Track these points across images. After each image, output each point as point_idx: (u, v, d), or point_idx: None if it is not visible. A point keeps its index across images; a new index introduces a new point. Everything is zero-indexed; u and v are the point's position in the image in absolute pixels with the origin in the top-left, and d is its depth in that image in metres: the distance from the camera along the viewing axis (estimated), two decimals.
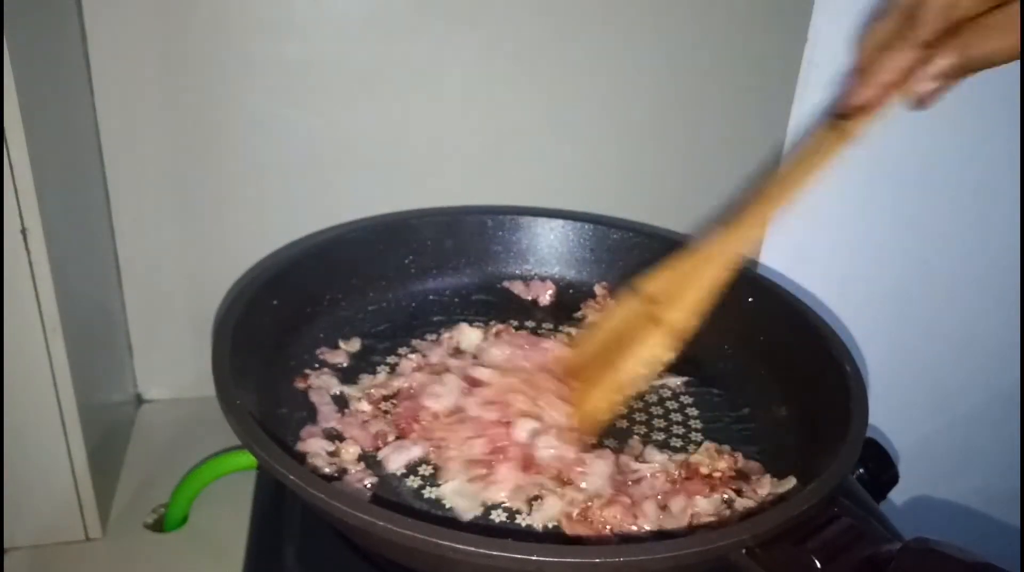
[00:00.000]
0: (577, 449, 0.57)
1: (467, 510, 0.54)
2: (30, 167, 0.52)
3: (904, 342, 0.98)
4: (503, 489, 0.55)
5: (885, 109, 0.50)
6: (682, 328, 0.57)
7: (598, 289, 0.77)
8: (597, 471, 0.56)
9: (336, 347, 0.68)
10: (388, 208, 0.77)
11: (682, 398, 0.66)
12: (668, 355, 0.57)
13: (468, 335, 0.69)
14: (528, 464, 0.56)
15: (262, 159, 0.73)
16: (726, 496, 0.55)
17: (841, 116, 0.52)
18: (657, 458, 0.59)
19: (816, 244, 0.90)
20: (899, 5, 0.48)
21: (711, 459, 0.58)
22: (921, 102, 0.49)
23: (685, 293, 0.57)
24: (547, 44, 0.74)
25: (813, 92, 0.80)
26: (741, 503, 0.54)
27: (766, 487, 0.55)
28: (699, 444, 0.61)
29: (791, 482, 0.55)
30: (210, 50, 0.68)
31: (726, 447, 0.60)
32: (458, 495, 0.54)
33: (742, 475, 0.57)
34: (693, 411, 0.65)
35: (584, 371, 0.62)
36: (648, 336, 0.58)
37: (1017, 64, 0.46)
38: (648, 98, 0.78)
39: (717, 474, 0.57)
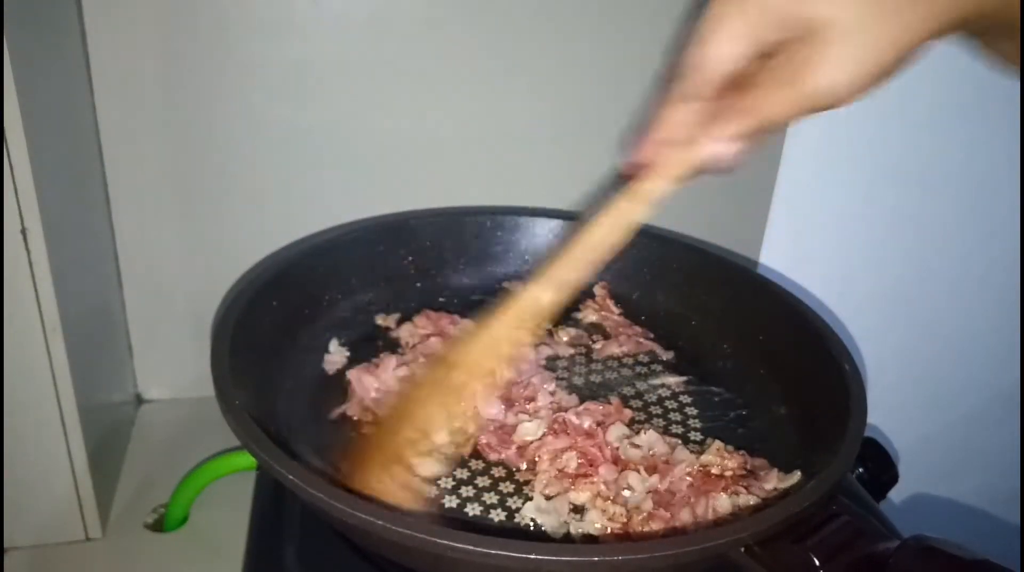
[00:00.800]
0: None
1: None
2: (30, 167, 0.52)
3: (904, 342, 0.98)
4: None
5: (676, 171, 0.46)
6: (475, 393, 0.55)
7: (597, 289, 0.77)
8: (639, 486, 0.55)
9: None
10: (387, 209, 0.77)
11: (681, 397, 0.66)
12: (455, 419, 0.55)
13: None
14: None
15: (262, 159, 0.73)
16: (738, 494, 0.55)
17: (629, 177, 0.48)
18: (685, 457, 0.58)
19: (816, 244, 0.90)
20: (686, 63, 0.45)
21: (721, 459, 0.58)
22: (718, 165, 0.45)
23: (481, 358, 0.54)
24: (546, 45, 0.74)
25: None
26: (746, 499, 0.54)
27: (772, 481, 0.55)
28: (699, 443, 0.61)
29: (796, 476, 0.55)
30: (210, 50, 0.68)
31: (730, 446, 0.60)
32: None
33: (750, 472, 0.57)
34: (692, 410, 0.65)
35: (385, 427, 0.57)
36: (436, 401, 0.55)
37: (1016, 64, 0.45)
38: (647, 99, 0.78)
39: (728, 473, 0.57)
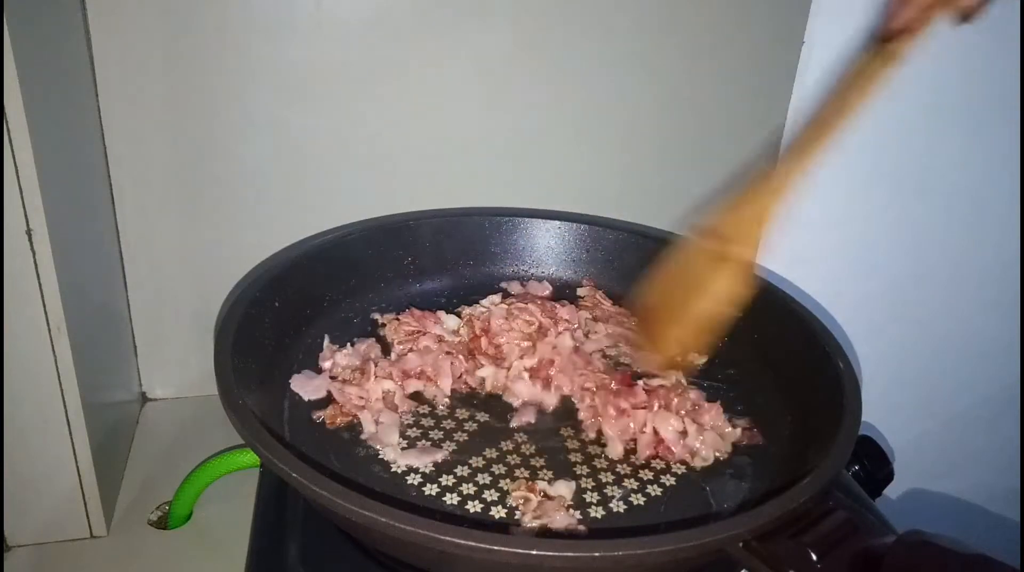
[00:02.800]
0: None
1: None
2: (35, 168, 0.52)
3: (899, 341, 0.99)
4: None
5: (929, 27, 0.47)
6: (746, 259, 0.57)
7: (583, 290, 0.78)
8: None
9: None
10: (388, 210, 0.78)
11: None
12: (737, 286, 0.57)
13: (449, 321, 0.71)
14: None
15: (264, 161, 0.74)
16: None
17: (884, 39, 0.49)
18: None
19: (813, 244, 0.90)
20: None
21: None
22: (966, 16, 0.46)
23: (748, 227, 0.57)
24: (544, 48, 0.75)
25: (809, 94, 0.81)
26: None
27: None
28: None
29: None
30: (213, 52, 0.69)
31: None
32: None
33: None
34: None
35: (658, 314, 0.62)
36: (719, 273, 0.57)
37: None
38: (644, 101, 0.79)
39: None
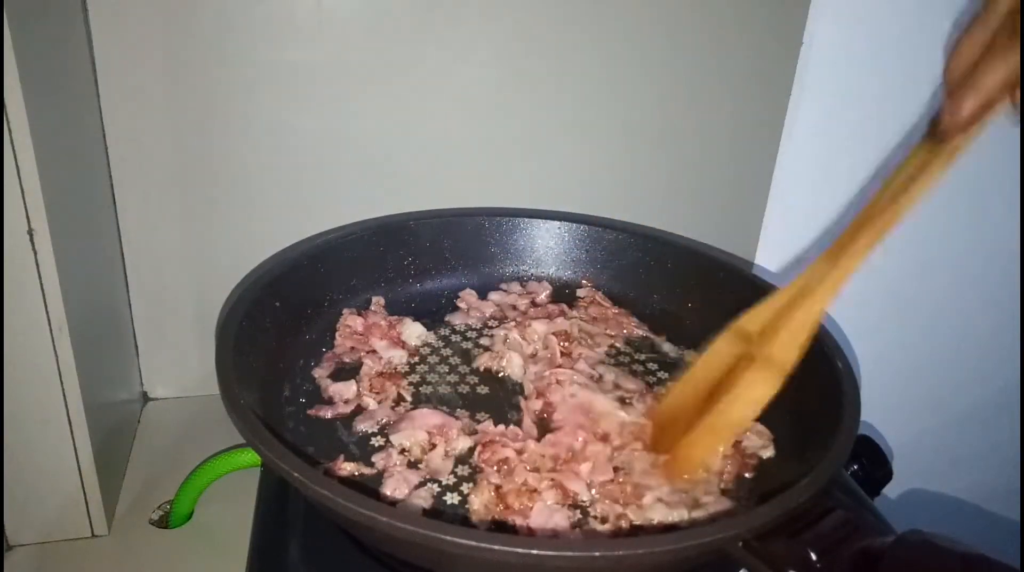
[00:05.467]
0: None
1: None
2: (37, 169, 0.52)
3: (898, 341, 0.99)
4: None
5: (990, 121, 0.45)
6: (785, 364, 0.54)
7: (583, 291, 0.78)
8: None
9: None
10: (388, 210, 0.78)
11: None
12: (772, 392, 0.54)
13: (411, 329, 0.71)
14: None
15: (265, 161, 0.74)
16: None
17: (942, 134, 0.48)
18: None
19: (811, 245, 0.91)
20: (988, 10, 0.44)
21: None
22: None
23: (785, 328, 0.54)
24: (544, 49, 0.75)
25: (808, 95, 0.81)
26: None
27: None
28: None
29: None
30: (214, 53, 0.69)
31: None
32: None
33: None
34: None
35: (683, 417, 0.58)
36: (750, 376, 0.54)
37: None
38: (643, 101, 0.79)
39: None
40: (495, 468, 0.56)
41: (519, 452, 0.57)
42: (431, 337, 0.71)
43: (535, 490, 0.54)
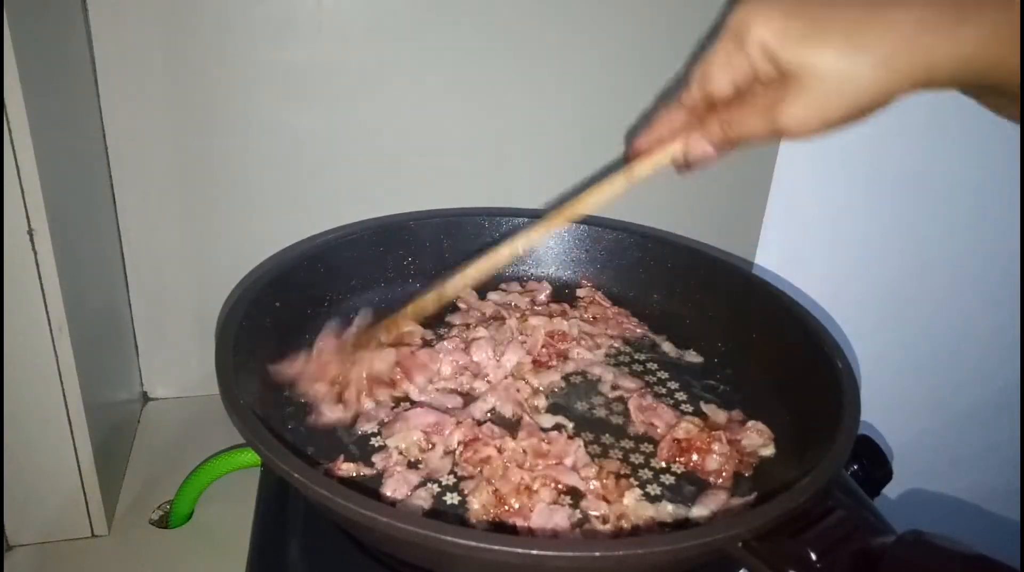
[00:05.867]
0: None
1: None
2: (37, 169, 0.53)
3: (898, 341, 0.99)
4: None
5: (662, 158, 0.52)
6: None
7: (583, 291, 0.78)
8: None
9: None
10: (388, 210, 0.78)
11: (677, 395, 0.67)
12: None
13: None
14: None
15: (265, 161, 0.74)
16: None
17: (628, 158, 0.55)
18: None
19: (811, 244, 0.91)
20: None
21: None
22: (687, 165, 0.51)
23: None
24: (544, 48, 0.75)
25: None
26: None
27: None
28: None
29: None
30: (214, 53, 0.69)
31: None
32: None
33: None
34: (688, 408, 0.65)
35: None
36: None
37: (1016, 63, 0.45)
38: (644, 101, 0.79)
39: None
40: (479, 468, 0.57)
41: (500, 450, 0.58)
42: (431, 336, 0.71)
43: (530, 488, 0.55)
